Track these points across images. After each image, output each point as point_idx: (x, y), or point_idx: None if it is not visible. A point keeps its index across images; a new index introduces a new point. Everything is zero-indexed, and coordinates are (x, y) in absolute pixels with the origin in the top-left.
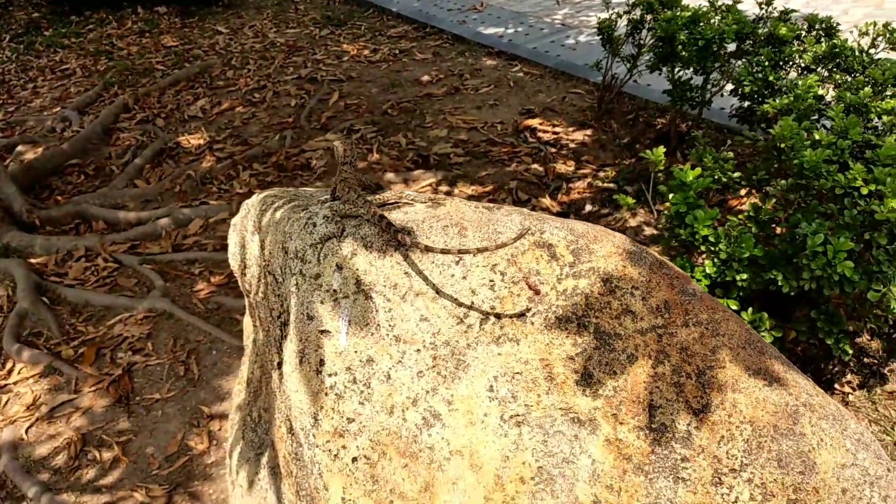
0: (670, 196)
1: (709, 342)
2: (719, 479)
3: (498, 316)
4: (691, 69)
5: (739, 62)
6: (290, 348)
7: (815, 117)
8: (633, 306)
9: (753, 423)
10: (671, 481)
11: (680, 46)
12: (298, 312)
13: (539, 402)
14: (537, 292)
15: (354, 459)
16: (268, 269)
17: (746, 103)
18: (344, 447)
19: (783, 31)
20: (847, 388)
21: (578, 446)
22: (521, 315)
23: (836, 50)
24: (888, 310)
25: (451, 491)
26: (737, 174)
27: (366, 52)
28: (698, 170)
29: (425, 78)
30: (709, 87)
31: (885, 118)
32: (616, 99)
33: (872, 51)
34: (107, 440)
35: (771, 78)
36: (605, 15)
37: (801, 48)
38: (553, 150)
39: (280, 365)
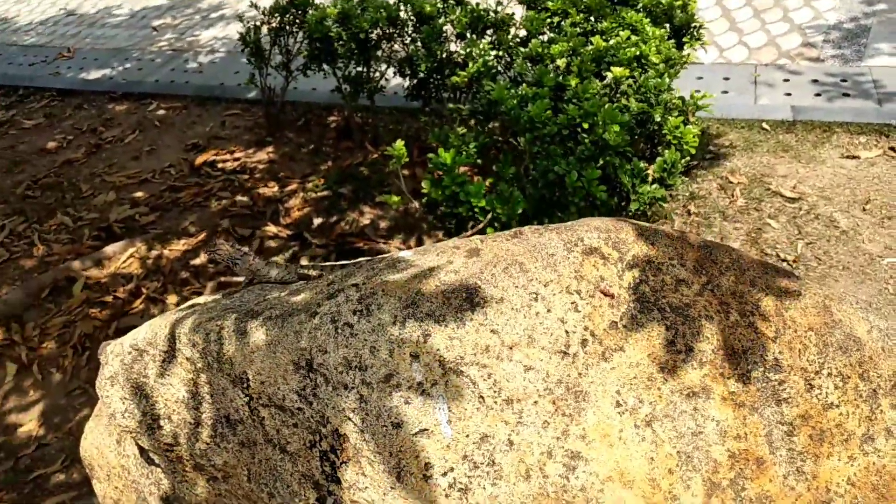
0: (440, 182)
1: (744, 279)
2: (810, 384)
3: (593, 334)
4: (353, 62)
5: (394, 45)
6: (375, 469)
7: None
8: (680, 275)
9: (812, 328)
10: (775, 405)
11: (339, 45)
12: (376, 426)
13: (661, 395)
14: (612, 296)
15: None
16: (262, 402)
17: (415, 81)
18: None
19: (427, 8)
20: None
21: (700, 415)
22: (613, 323)
23: (475, 14)
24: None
25: None
26: (472, 145)
27: None
28: (452, 150)
29: (52, 144)
30: (374, 74)
31: (559, 61)
32: (281, 109)
33: (500, 7)
34: None
35: (439, 53)
36: (230, 30)
37: (449, 20)
38: (244, 176)
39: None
